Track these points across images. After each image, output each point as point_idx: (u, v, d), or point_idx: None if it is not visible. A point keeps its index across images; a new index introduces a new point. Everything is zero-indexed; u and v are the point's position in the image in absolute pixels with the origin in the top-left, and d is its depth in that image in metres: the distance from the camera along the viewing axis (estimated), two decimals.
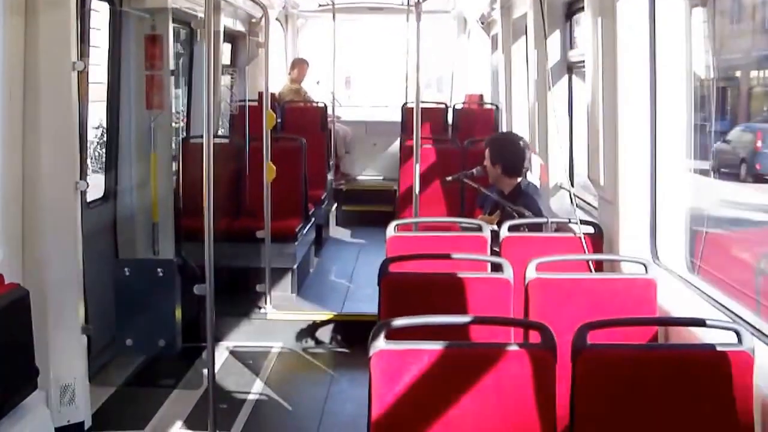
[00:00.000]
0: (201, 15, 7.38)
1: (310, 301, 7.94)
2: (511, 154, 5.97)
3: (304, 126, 10.27)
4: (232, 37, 10.27)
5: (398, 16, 11.31)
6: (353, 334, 5.60)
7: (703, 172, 5.80)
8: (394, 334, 3.13)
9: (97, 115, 7.27)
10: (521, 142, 6.20)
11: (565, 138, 7.03)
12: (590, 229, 5.10)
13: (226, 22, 9.15)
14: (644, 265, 4.14)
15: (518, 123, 8.99)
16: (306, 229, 8.57)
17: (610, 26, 4.88)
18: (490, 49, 11.59)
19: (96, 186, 6.74)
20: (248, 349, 6.95)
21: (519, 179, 5.91)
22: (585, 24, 5.44)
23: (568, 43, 7.27)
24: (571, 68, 7.26)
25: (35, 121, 4.98)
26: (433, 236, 5.54)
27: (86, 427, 5.36)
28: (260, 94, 8.61)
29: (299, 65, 11.99)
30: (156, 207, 7.04)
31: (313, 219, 9.07)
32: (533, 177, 7.15)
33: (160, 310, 5.73)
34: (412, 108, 6.65)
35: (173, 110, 7.49)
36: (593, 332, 3.08)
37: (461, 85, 13.18)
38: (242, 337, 7.07)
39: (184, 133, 8.75)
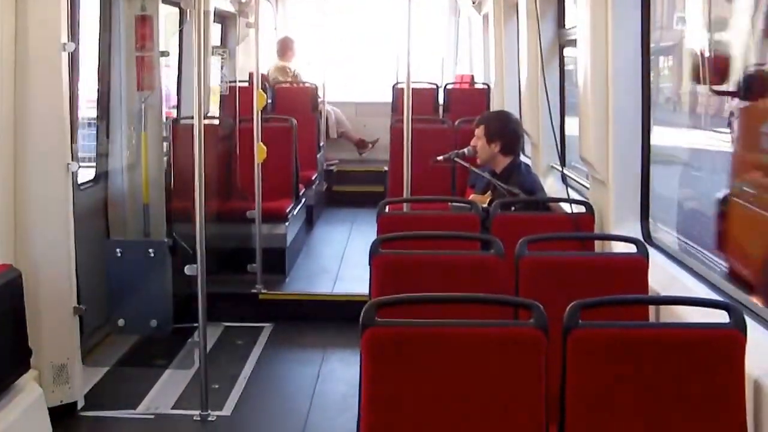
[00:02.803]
0: None
1: (301, 281, 7.95)
2: (511, 132, 5.95)
3: (294, 107, 10.24)
4: (221, 17, 10.22)
5: None
6: (344, 313, 5.62)
7: None
8: (385, 313, 3.13)
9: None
10: (518, 121, 6.21)
11: (557, 117, 7.02)
12: (582, 209, 5.10)
13: (216, 2, 9.10)
14: (635, 243, 4.14)
15: (510, 102, 8.98)
16: (297, 210, 8.57)
17: (602, 3, 4.86)
18: (481, 28, 11.56)
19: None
20: (240, 329, 6.96)
21: (513, 158, 5.90)
22: (577, 1, 5.42)
23: (561, 21, 7.25)
24: (563, 47, 7.24)
25: (26, 103, 4.96)
26: (424, 215, 5.54)
27: (79, 407, 5.38)
28: (251, 75, 8.58)
29: (286, 43, 11.94)
30: (147, 188, 7.03)
31: (303, 199, 9.08)
32: (524, 156, 7.15)
33: (152, 290, 5.76)
34: (403, 88, 6.63)
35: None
36: (584, 311, 3.08)
37: (451, 65, 13.16)
38: (233, 317, 7.08)
39: None
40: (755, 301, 3.98)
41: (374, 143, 12.31)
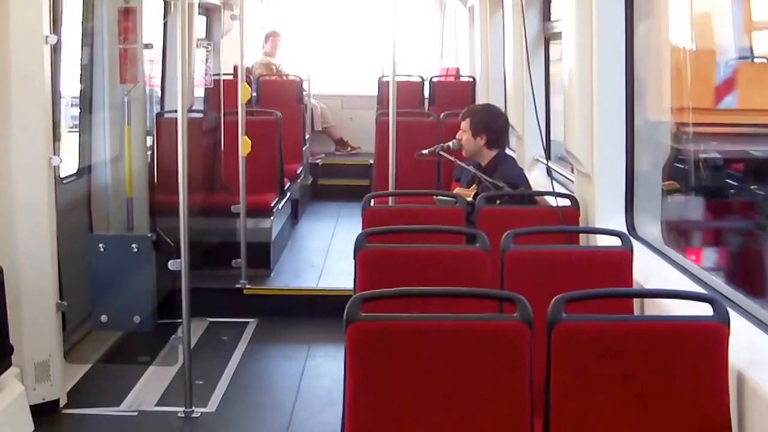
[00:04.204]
0: None
1: (286, 276, 7.91)
2: (497, 125, 5.94)
3: (279, 100, 10.21)
4: (206, 9, 10.17)
5: None
6: (329, 308, 5.59)
7: None
8: (370, 308, 3.11)
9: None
10: (504, 114, 6.19)
11: (542, 110, 7.01)
12: (567, 202, 5.09)
13: None
14: (620, 236, 4.13)
15: (495, 95, 8.97)
16: (282, 204, 8.53)
17: None
18: (467, 21, 11.54)
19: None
20: (224, 325, 6.92)
21: (498, 151, 5.88)
22: None
23: (546, 14, 7.23)
24: (548, 40, 7.23)
25: (7, 96, 4.90)
26: (409, 209, 5.51)
27: (61, 404, 5.32)
28: (235, 68, 8.54)
29: (272, 37, 11.90)
30: (130, 182, 6.99)
31: (288, 193, 9.03)
32: (509, 149, 7.14)
33: (135, 285, 5.71)
34: (389, 81, 6.60)
35: None
36: (569, 304, 3.07)
37: (437, 58, 13.13)
38: (218, 312, 7.02)
39: None
40: None
41: (353, 149, 12.32)
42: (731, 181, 5.65)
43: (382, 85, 10.73)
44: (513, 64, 7.54)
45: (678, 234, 5.13)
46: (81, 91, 6.94)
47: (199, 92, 9.23)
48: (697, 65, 5.54)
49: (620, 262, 4.04)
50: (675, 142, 5.34)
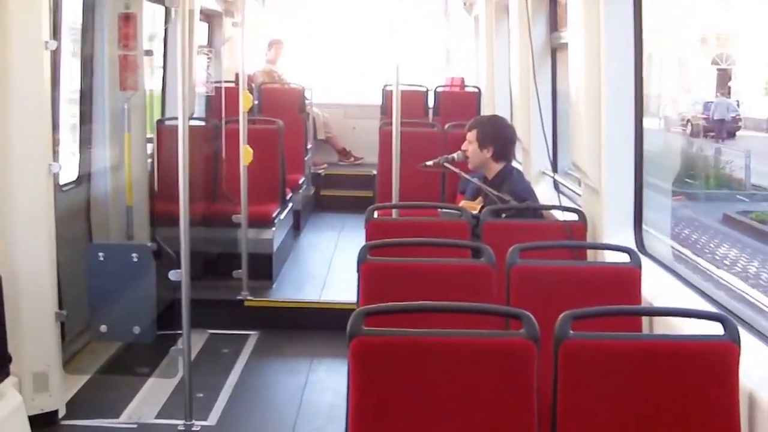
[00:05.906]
0: None
1: (288, 288, 7.83)
2: (505, 137, 5.87)
3: (281, 108, 10.15)
4: (207, 16, 10.14)
5: None
6: (332, 321, 5.51)
7: None
8: (373, 322, 3.06)
9: None
10: (512, 126, 6.14)
11: (549, 123, 6.95)
12: (574, 216, 5.02)
13: (202, 0, 9.02)
14: (628, 253, 4.06)
15: (501, 107, 8.92)
16: (284, 214, 8.46)
17: (595, 7, 4.80)
18: (473, 31, 11.50)
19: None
20: (225, 337, 6.85)
21: (505, 164, 5.81)
22: (569, 5, 5.36)
23: (553, 24, 7.18)
24: (555, 50, 7.18)
25: (6, 103, 4.87)
26: (413, 221, 5.46)
27: (60, 415, 5.27)
28: (237, 76, 8.49)
29: (275, 45, 11.87)
30: (130, 190, 6.94)
31: (290, 204, 8.97)
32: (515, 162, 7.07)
33: (135, 296, 5.63)
34: (392, 90, 6.53)
35: None
36: (576, 321, 3.01)
37: (442, 68, 13.11)
38: (219, 324, 6.95)
39: None
40: None
41: (357, 159, 12.26)
42: None
43: (386, 95, 10.66)
44: (519, 74, 7.49)
45: None
46: (80, 97, 6.89)
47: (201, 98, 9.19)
48: None
49: (628, 278, 3.98)
50: None
